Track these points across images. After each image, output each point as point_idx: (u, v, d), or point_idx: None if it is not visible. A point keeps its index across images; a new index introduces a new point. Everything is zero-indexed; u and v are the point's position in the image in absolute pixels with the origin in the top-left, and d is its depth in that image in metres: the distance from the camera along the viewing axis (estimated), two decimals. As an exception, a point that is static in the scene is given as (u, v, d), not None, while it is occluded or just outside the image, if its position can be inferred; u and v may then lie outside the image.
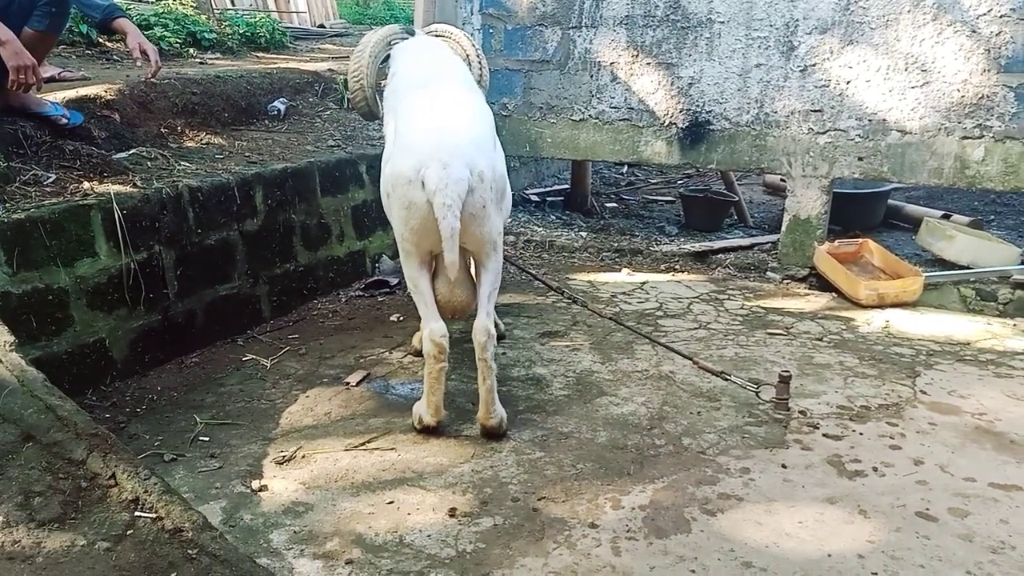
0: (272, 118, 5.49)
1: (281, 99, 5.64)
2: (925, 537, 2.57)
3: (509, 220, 6.28)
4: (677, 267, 5.58)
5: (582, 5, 5.59)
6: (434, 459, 3.02)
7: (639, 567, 2.41)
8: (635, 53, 5.51)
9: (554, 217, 6.63)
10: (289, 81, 5.92)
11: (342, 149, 5.16)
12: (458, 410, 3.40)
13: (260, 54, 7.46)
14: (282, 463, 2.98)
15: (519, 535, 2.57)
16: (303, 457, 3.02)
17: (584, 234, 6.12)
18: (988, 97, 4.68)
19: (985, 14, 4.61)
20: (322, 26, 10.61)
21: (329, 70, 6.39)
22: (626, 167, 8.51)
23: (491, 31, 5.89)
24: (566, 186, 7.27)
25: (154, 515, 2.21)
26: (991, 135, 4.71)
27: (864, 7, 4.86)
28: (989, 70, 4.66)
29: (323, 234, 4.76)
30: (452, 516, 2.65)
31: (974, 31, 4.65)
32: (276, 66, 6.39)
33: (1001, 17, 4.59)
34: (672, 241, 5.96)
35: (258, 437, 3.18)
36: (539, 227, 6.25)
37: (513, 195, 7.00)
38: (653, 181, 8.28)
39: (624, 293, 5.00)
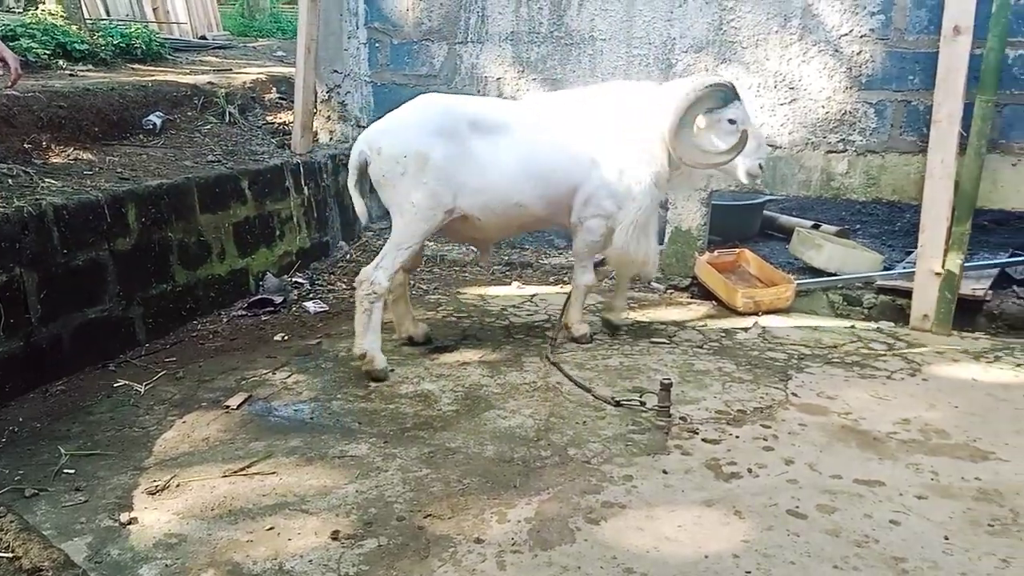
0: (147, 132, 5.29)
1: (157, 113, 5.44)
2: (795, 534, 2.68)
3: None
4: (566, 279, 5.65)
5: (468, 21, 5.62)
6: (317, 481, 2.95)
7: (523, 580, 2.42)
8: (521, 69, 5.59)
9: (445, 231, 6.62)
10: (166, 94, 5.72)
11: (223, 164, 5.02)
12: (343, 430, 3.35)
13: (136, 66, 7.18)
14: (154, 493, 2.85)
15: (404, 555, 2.54)
16: (177, 486, 2.90)
17: (475, 248, 6.13)
18: (850, 113, 4.96)
19: (846, 35, 4.89)
20: (204, 37, 10.30)
21: (209, 83, 6.21)
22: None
23: (377, 45, 5.86)
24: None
25: (10, 554, 2.08)
26: (853, 149, 4.99)
27: (736, 27, 5.08)
28: (851, 87, 4.94)
29: (203, 252, 4.61)
30: (335, 539, 2.60)
31: (837, 51, 4.93)
32: (153, 78, 6.16)
33: (861, 37, 4.87)
34: (561, 254, 6.04)
35: (129, 467, 3.03)
36: (430, 241, 6.22)
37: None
38: (543, 194, 8.38)
39: (514, 306, 5.04)
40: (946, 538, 2.66)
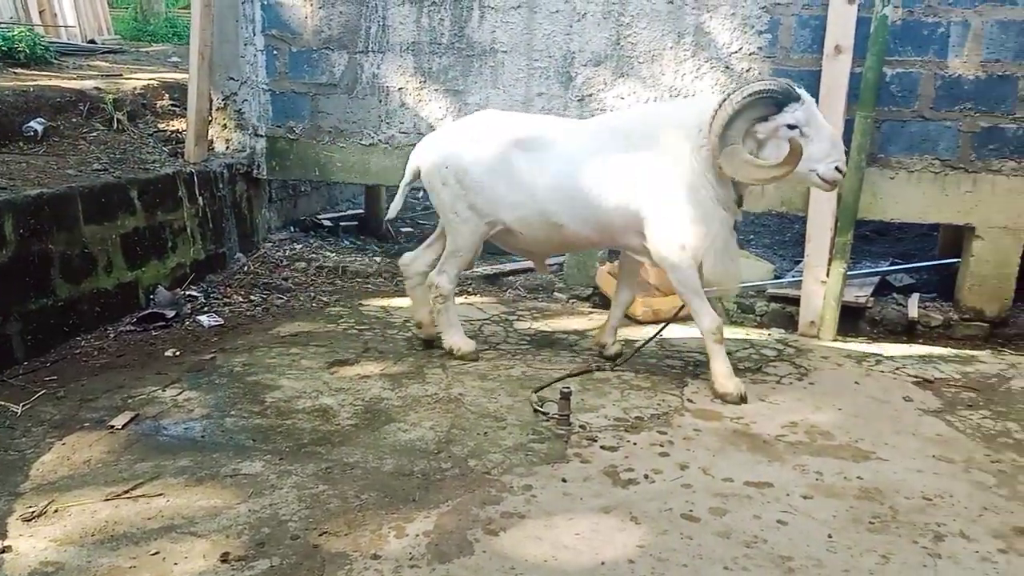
0: (28, 140, 5.02)
1: (38, 119, 5.18)
2: (689, 537, 2.74)
3: (300, 246, 6.14)
4: (470, 290, 5.66)
5: (368, 30, 5.57)
6: (207, 502, 2.85)
7: (420, 595, 2.40)
8: (423, 79, 5.57)
9: (348, 242, 6.54)
10: (48, 100, 5.45)
11: (110, 173, 4.81)
12: (236, 448, 3.25)
13: (18, 70, 6.81)
14: (30, 520, 2.69)
15: (297, 575, 2.47)
16: (55, 511, 2.75)
17: (378, 259, 6.08)
18: (741, 128, 5.14)
19: (736, 52, 5.08)
20: (93, 42, 9.86)
21: (97, 88, 5.95)
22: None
23: (275, 53, 5.74)
24: (360, 211, 7.20)
25: None
26: (745, 162, 5.17)
27: (632, 42, 5.20)
28: (741, 103, 5.12)
29: (88, 265, 4.40)
30: (224, 562, 2.51)
31: (728, 67, 5.10)
32: (35, 83, 5.86)
33: (750, 55, 5.07)
34: (466, 264, 6.03)
35: (3, 493, 2.86)
36: (332, 253, 6.14)
37: (304, 220, 6.88)
38: (448, 205, 8.37)
39: (417, 317, 5.00)
40: (830, 536, 2.77)
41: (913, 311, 5.03)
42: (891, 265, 5.93)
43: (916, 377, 4.27)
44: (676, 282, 3.97)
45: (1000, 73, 4.70)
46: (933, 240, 6.53)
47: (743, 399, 3.85)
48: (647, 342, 4.44)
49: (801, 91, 3.66)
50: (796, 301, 5.06)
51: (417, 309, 4.49)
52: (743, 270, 3.98)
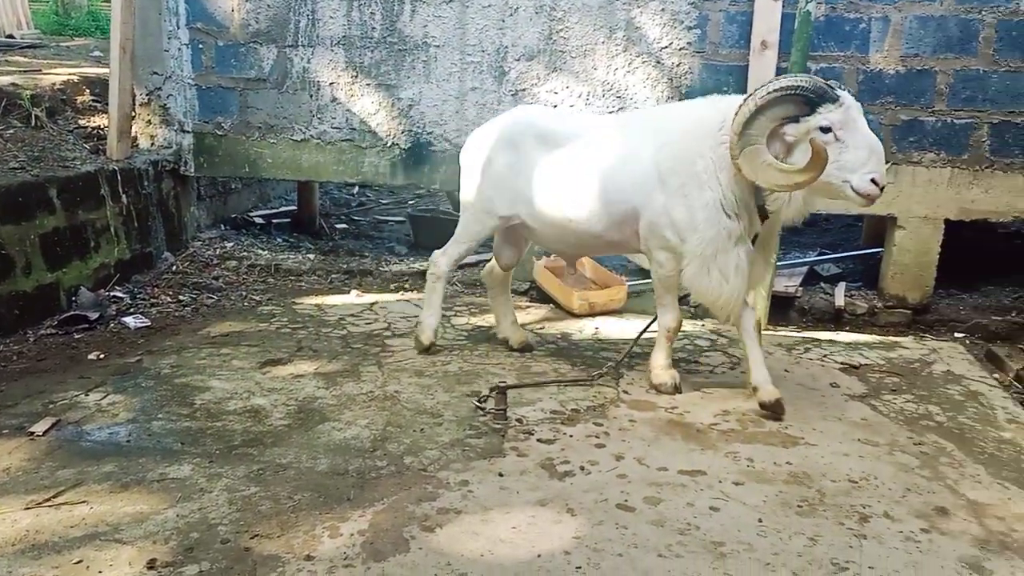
0: (-62, 136, 4.80)
1: (-51, 115, 4.95)
2: (624, 527, 2.77)
3: (231, 244, 6.01)
4: (407, 286, 5.62)
5: (297, 24, 5.48)
6: (133, 508, 2.76)
7: (355, 594, 2.37)
8: (355, 74, 5.50)
9: (281, 240, 6.43)
10: (-40, 95, 5.22)
11: (27, 171, 4.63)
12: (164, 452, 3.16)
13: (-72, 64, 6.51)
14: (-57, 532, 2.58)
15: (228, 579, 2.42)
16: (-29, 523, 2.64)
17: (312, 256, 5.99)
18: (672, 122, 5.20)
19: (667, 47, 5.14)
20: (11, 36, 9.49)
21: (13, 84, 5.71)
22: (357, 188, 8.47)
23: (201, 47, 5.59)
24: (293, 207, 7.08)
25: None
26: (677, 156, 5.24)
27: (565, 37, 5.22)
28: (672, 97, 5.19)
29: (5, 267, 4.23)
30: (151, 568, 2.44)
31: (659, 62, 5.16)
32: (-55, 78, 5.61)
33: (680, 50, 5.13)
34: (402, 261, 6.00)
35: (-87, 505, 2.73)
36: (264, 250, 6.02)
37: (236, 218, 6.73)
38: (384, 201, 8.31)
39: (353, 315, 4.94)
40: (760, 520, 2.83)
41: (840, 300, 5.17)
42: (819, 255, 6.09)
43: (843, 364, 4.40)
44: (653, 273, 3.93)
45: (919, 68, 4.86)
46: (858, 230, 6.72)
47: (677, 389, 3.89)
48: (631, 346, 4.24)
49: (841, 91, 3.27)
50: (728, 292, 5.15)
51: (499, 322, 4.51)
52: (730, 296, 3.58)
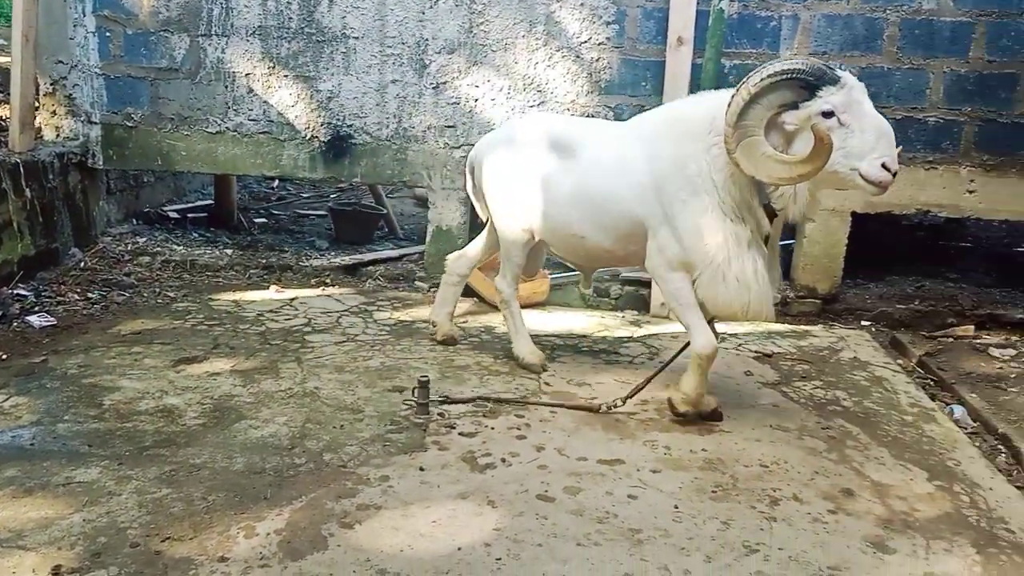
0: None
1: None
2: (544, 517, 2.79)
3: (144, 240, 5.83)
4: (328, 281, 5.54)
5: (211, 12, 5.33)
6: (37, 513, 2.66)
7: (271, 594, 2.33)
8: (272, 65, 5.38)
9: (197, 235, 6.25)
10: None
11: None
12: (70, 454, 3.04)
13: None
14: None
15: (137, 583, 2.35)
16: None
17: (230, 251, 5.85)
18: (593, 116, 5.27)
19: (586, 42, 5.19)
20: (-97, 19, 8.98)
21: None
22: (277, 181, 8.30)
23: (108, 35, 5.39)
24: (210, 202, 6.90)
25: None
26: (597, 150, 5.30)
27: (485, 31, 5.22)
28: (592, 92, 5.25)
29: None
30: (56, 575, 2.35)
31: (578, 57, 5.21)
32: None
33: (599, 45, 5.19)
34: (323, 255, 5.91)
35: None
36: (179, 246, 5.85)
37: (149, 212, 6.53)
38: (305, 195, 8.18)
39: (271, 311, 4.85)
40: (676, 507, 2.90)
41: (755, 290, 5.31)
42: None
43: (756, 352, 4.53)
44: (664, 295, 3.62)
45: (826, 65, 5.02)
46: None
47: (715, 415, 3.57)
48: (654, 374, 3.78)
49: (841, 72, 3.03)
50: (648, 284, 5.24)
51: (437, 308, 4.47)
52: (759, 300, 3.29)
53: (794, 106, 3.05)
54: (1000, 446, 3.62)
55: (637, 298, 5.32)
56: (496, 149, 4.07)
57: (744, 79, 3.05)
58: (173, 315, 4.67)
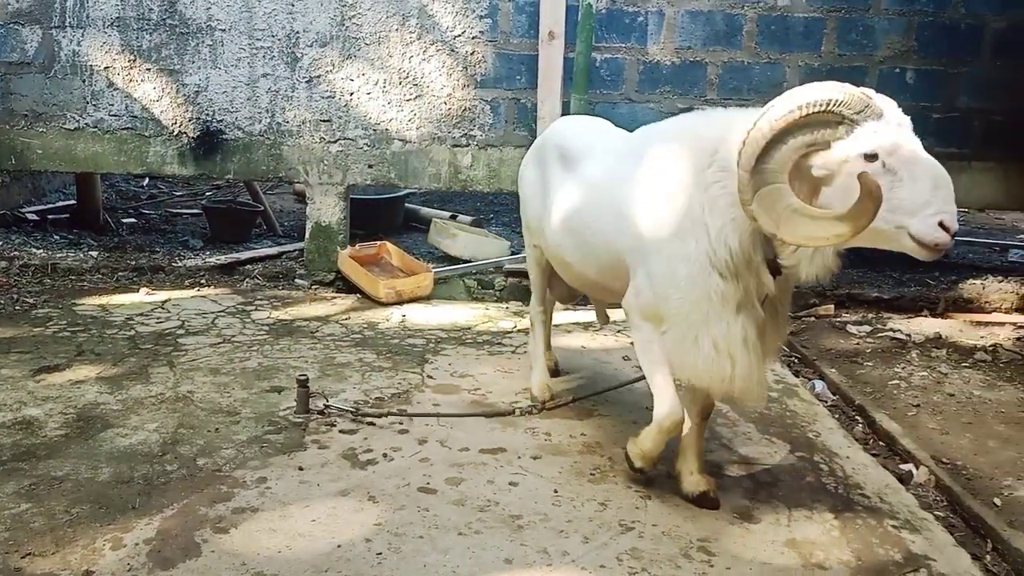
0: None
1: None
2: (425, 509, 2.80)
3: (0, 244, 5.49)
4: (203, 282, 5.36)
5: (64, 3, 5.06)
6: None
7: (140, 606, 2.25)
8: (132, 58, 5.16)
9: (58, 237, 5.93)
10: None
11: None
12: (-85, 474, 2.84)
13: None
14: None
15: (-7, 605, 2.22)
16: None
17: (95, 254, 5.58)
18: (470, 109, 5.30)
19: (460, 35, 5.21)
20: None
21: None
22: (147, 180, 7.96)
23: (-50, 25, 5.04)
24: (72, 202, 6.54)
25: None
26: (475, 143, 5.34)
27: (358, 24, 5.16)
28: (468, 85, 5.28)
29: None
30: (-101, 604, 2.19)
31: (453, 50, 5.22)
32: None
33: (473, 39, 5.22)
34: (197, 255, 5.71)
35: None
36: (39, 249, 5.54)
37: (5, 214, 6.14)
38: (177, 193, 7.87)
39: (142, 314, 4.66)
40: (556, 491, 2.96)
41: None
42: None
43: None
44: (637, 346, 3.00)
45: (692, 59, 5.22)
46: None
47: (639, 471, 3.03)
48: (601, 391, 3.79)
49: (885, 103, 2.33)
50: (529, 275, 5.32)
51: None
52: (745, 377, 2.65)
53: (826, 145, 2.32)
54: (857, 417, 3.85)
55: (521, 289, 5.38)
56: (527, 155, 3.73)
57: (764, 110, 2.33)
58: (32, 322, 4.41)
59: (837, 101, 2.27)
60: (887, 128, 2.28)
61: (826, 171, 2.34)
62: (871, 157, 2.26)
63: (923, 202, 2.24)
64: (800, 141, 2.32)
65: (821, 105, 2.27)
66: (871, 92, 2.34)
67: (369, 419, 3.44)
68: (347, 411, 3.47)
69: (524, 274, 5.35)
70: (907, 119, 2.33)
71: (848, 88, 2.29)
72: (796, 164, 2.36)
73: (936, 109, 5.26)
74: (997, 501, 3.07)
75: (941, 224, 2.23)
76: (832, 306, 5.39)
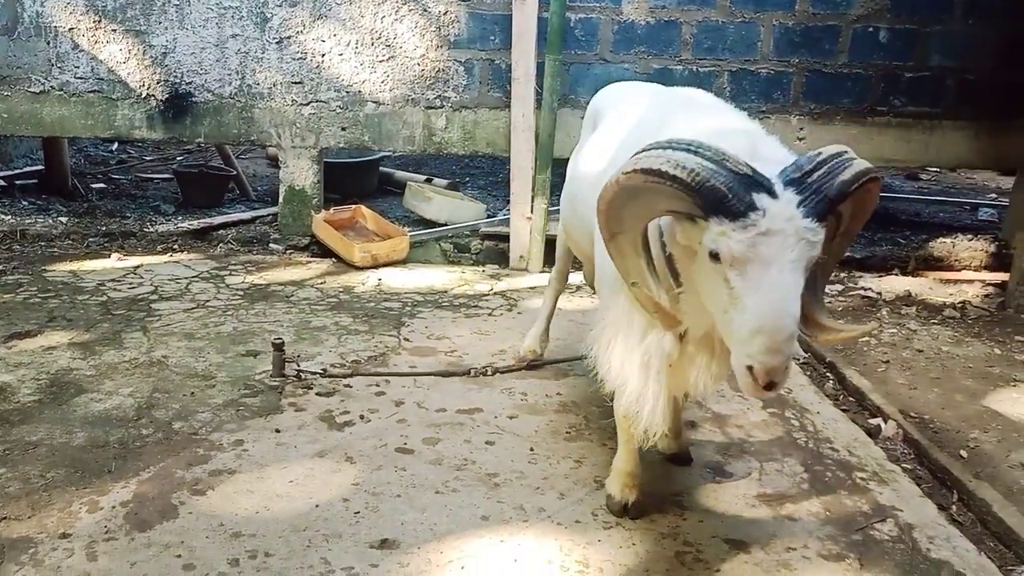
0: None
1: None
2: (403, 469, 2.82)
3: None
4: (176, 247, 5.31)
5: (25, -39, 4.92)
6: None
7: (118, 567, 2.26)
8: (97, 18, 5.04)
9: (26, 203, 5.84)
10: None
11: None
12: None
13: None
14: None
15: (-31, 569, 2.22)
16: None
17: (65, 219, 5.50)
18: (444, 71, 5.24)
19: (433, -5, 5.13)
20: None
21: None
22: (116, 144, 7.82)
23: (-94, -16, 4.89)
24: (40, 167, 6.42)
25: None
26: (449, 105, 5.29)
27: (329, -18, 5.07)
28: (442, 46, 5.21)
29: None
30: None
31: (426, 10, 5.15)
32: None
33: (447, -1, 5.15)
34: (169, 220, 5.65)
35: None
36: (7, 215, 5.46)
37: (-30, 181, 6.01)
38: (148, 158, 7.75)
39: (114, 280, 4.61)
40: (531, 449, 2.99)
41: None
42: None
43: (610, 299, 4.70)
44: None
45: (666, 19, 5.18)
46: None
47: (626, 510, 2.63)
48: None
49: (776, 195, 1.82)
50: (506, 238, 5.32)
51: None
52: (646, 400, 2.33)
53: (692, 220, 1.93)
54: (828, 373, 3.91)
55: (497, 252, 5.38)
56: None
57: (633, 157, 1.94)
58: (2, 288, 4.35)
59: (676, 179, 1.84)
60: (743, 234, 1.81)
61: (687, 243, 1.99)
62: (714, 256, 1.88)
63: (740, 339, 1.88)
64: (650, 203, 1.96)
65: (661, 178, 1.86)
66: (768, 178, 1.83)
67: (336, 379, 3.45)
68: (316, 373, 3.47)
69: (500, 237, 5.37)
70: (795, 227, 1.80)
71: (713, 160, 1.83)
72: (660, 227, 2.08)
73: (909, 68, 5.27)
74: (963, 453, 3.15)
75: (750, 370, 1.87)
76: (805, 266, 5.43)
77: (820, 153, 1.91)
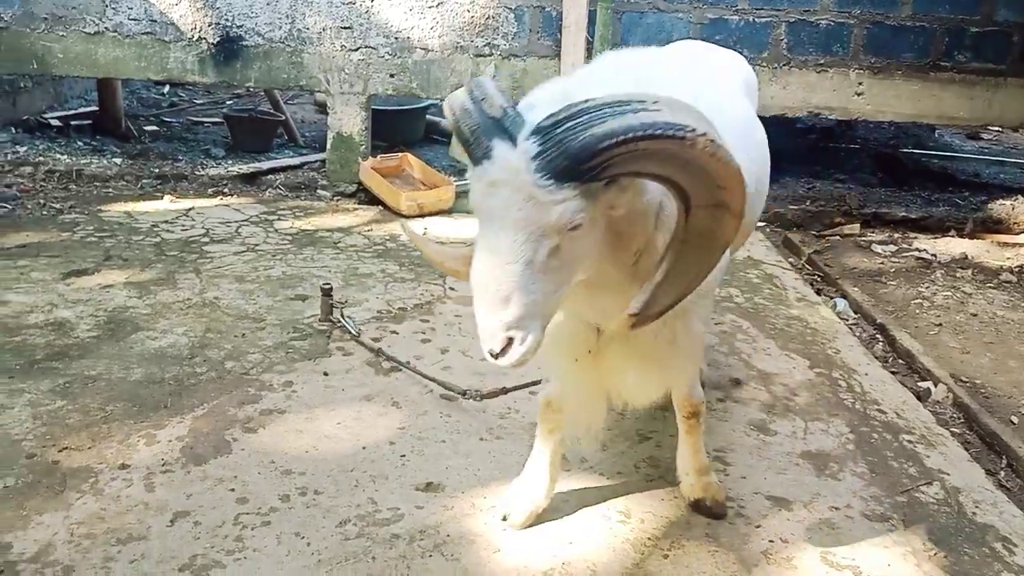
0: None
1: None
2: (448, 415, 2.87)
3: (25, 149, 5.50)
4: (226, 191, 5.38)
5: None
6: (-79, 431, 2.57)
7: (175, 498, 2.34)
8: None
9: (82, 143, 5.93)
10: None
11: None
12: (-46, 371, 2.93)
13: None
14: None
15: (35, 493, 2.32)
16: None
17: (119, 161, 5.58)
18: (493, 17, 5.17)
19: (486, -60, 5.04)
20: None
21: None
22: (168, 87, 7.89)
23: (-35, -78, 4.93)
24: (94, 108, 6.51)
25: None
26: (499, 53, 5.23)
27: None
28: (492, -7, 5.13)
29: None
30: (-54, 490, 2.29)
31: (478, -45, 5.06)
32: None
33: (499, -57, 5.05)
34: (219, 164, 5.71)
35: None
36: (63, 155, 5.54)
37: (28, 120, 6.13)
38: (199, 102, 7.82)
39: (167, 222, 4.69)
40: (575, 400, 3.01)
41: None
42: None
43: (656, 254, 4.65)
44: None
45: (725, -33, 5.03)
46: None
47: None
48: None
49: (502, 147, 1.57)
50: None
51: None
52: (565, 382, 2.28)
53: None
54: (878, 335, 3.86)
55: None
56: None
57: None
58: (60, 227, 4.46)
59: (451, 118, 1.69)
60: (476, 183, 1.63)
61: None
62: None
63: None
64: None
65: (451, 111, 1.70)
66: (521, 125, 1.57)
67: (362, 339, 3.49)
68: (350, 332, 3.38)
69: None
70: (531, 177, 1.53)
71: (460, 109, 1.65)
72: None
73: (975, 23, 5.06)
74: (1014, 419, 3.10)
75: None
76: (858, 225, 5.33)
77: (592, 100, 1.52)
